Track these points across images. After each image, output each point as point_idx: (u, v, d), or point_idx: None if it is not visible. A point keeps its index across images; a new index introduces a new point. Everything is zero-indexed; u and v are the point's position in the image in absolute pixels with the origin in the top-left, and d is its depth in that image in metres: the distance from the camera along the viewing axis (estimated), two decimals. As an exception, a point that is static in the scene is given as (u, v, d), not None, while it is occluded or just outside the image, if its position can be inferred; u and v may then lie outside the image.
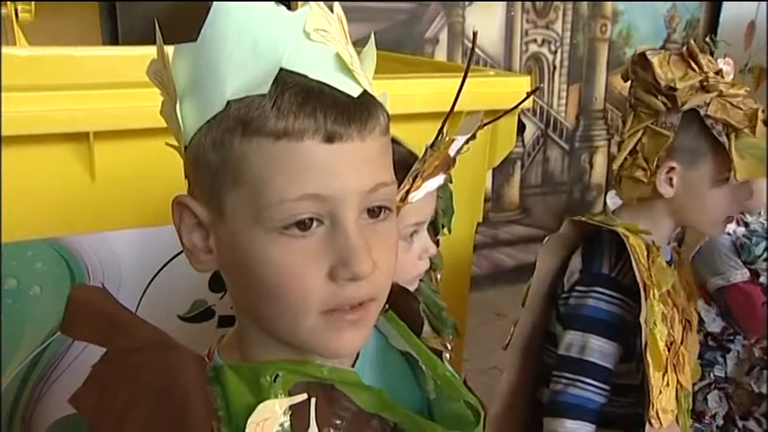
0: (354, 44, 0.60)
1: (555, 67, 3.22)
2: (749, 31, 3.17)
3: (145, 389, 0.55)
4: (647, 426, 1.05)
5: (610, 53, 3.35)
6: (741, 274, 1.53)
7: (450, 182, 1.03)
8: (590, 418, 1.09)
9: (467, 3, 2.87)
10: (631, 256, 1.07)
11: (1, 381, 1.07)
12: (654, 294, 1.07)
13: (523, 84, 1.42)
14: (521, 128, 1.51)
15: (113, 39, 2.48)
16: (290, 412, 0.56)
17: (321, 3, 0.56)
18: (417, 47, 2.81)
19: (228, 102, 0.53)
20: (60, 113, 0.98)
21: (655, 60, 1.10)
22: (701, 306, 1.55)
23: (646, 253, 1.10)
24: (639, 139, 1.12)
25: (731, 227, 1.57)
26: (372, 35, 0.61)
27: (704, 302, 1.56)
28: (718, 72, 1.11)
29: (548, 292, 1.22)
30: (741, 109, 1.07)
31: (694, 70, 1.10)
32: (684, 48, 1.11)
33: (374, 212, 0.56)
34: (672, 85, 1.08)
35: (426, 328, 1.06)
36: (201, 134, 0.55)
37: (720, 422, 1.57)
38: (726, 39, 2.61)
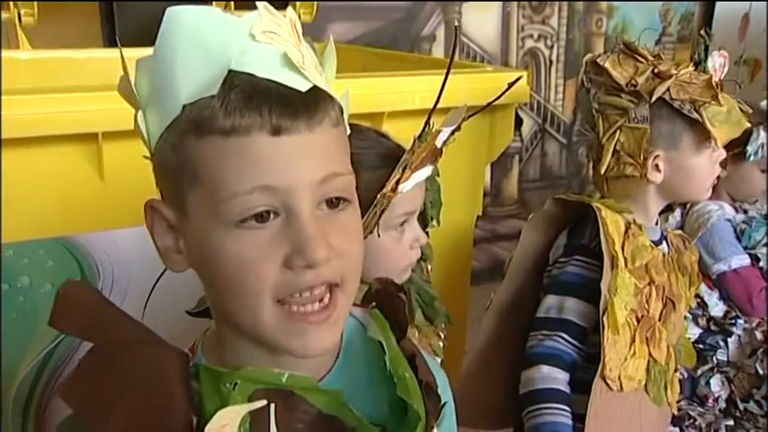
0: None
1: (551, 62, 3.23)
2: (743, 23, 3.19)
3: (129, 382, 0.57)
4: (602, 385, 1.08)
5: (605, 47, 3.37)
6: (742, 260, 1.57)
7: (438, 175, 1.06)
8: (566, 367, 1.12)
9: (463, -1, 2.89)
10: (600, 227, 1.12)
11: (12, 377, 1.09)
12: (621, 265, 1.11)
13: (521, 79, 1.43)
14: (518, 122, 1.54)
15: (111, 41, 2.48)
16: (248, 419, 0.57)
17: (271, 7, 0.58)
18: (415, 44, 2.83)
19: (184, 106, 0.56)
20: (69, 115, 1.01)
21: (608, 64, 1.18)
22: (704, 290, 1.58)
23: (623, 229, 1.14)
24: (617, 140, 1.17)
25: (731, 213, 1.60)
26: (331, 37, 0.65)
27: (707, 287, 1.58)
28: (656, 56, 1.18)
29: (531, 264, 1.27)
30: (696, 83, 1.14)
31: (641, 62, 1.17)
32: (621, 46, 1.19)
33: (332, 203, 0.58)
34: (632, 82, 1.15)
35: (419, 317, 1.09)
36: (163, 140, 0.58)
37: (723, 405, 1.59)
38: (720, 31, 2.63)
